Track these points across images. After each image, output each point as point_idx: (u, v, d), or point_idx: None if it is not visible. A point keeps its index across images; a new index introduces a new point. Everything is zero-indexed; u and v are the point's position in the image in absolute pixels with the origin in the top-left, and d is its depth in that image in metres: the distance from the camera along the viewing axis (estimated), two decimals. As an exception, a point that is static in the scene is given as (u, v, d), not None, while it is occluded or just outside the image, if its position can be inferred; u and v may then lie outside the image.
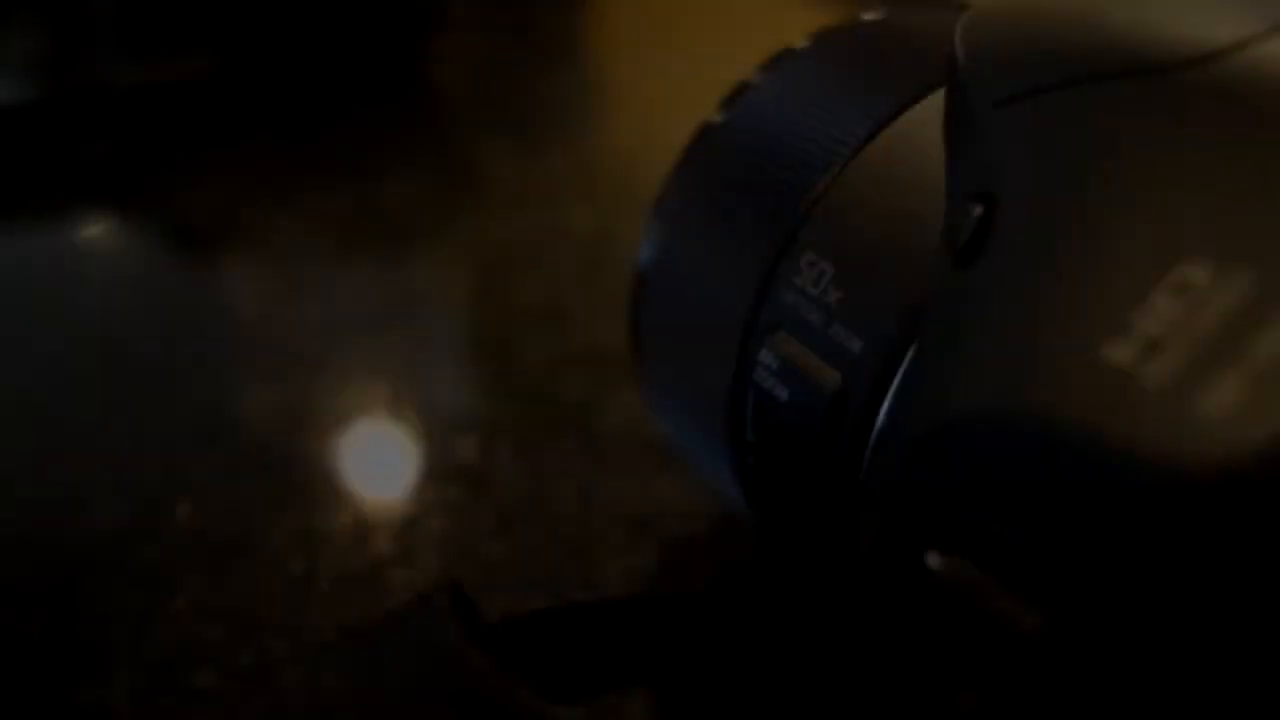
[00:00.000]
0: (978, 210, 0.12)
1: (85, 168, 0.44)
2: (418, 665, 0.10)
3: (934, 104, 0.15)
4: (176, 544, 0.23)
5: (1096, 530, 0.09)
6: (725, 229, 0.18)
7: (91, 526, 0.24)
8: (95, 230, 0.40)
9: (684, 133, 0.20)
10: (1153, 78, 0.11)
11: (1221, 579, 0.09)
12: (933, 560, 0.11)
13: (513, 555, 0.23)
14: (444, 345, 0.31)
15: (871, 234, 0.15)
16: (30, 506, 0.25)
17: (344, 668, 0.11)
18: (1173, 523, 0.09)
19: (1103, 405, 0.09)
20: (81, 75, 0.46)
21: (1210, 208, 0.10)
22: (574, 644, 0.16)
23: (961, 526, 0.11)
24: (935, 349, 0.12)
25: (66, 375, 0.30)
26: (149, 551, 0.23)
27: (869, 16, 0.21)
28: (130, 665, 0.20)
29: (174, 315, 0.33)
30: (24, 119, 0.46)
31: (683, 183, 0.20)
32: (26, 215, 0.41)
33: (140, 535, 0.23)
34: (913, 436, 0.11)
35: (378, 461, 0.26)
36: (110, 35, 0.46)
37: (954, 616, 0.10)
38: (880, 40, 0.19)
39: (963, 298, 0.12)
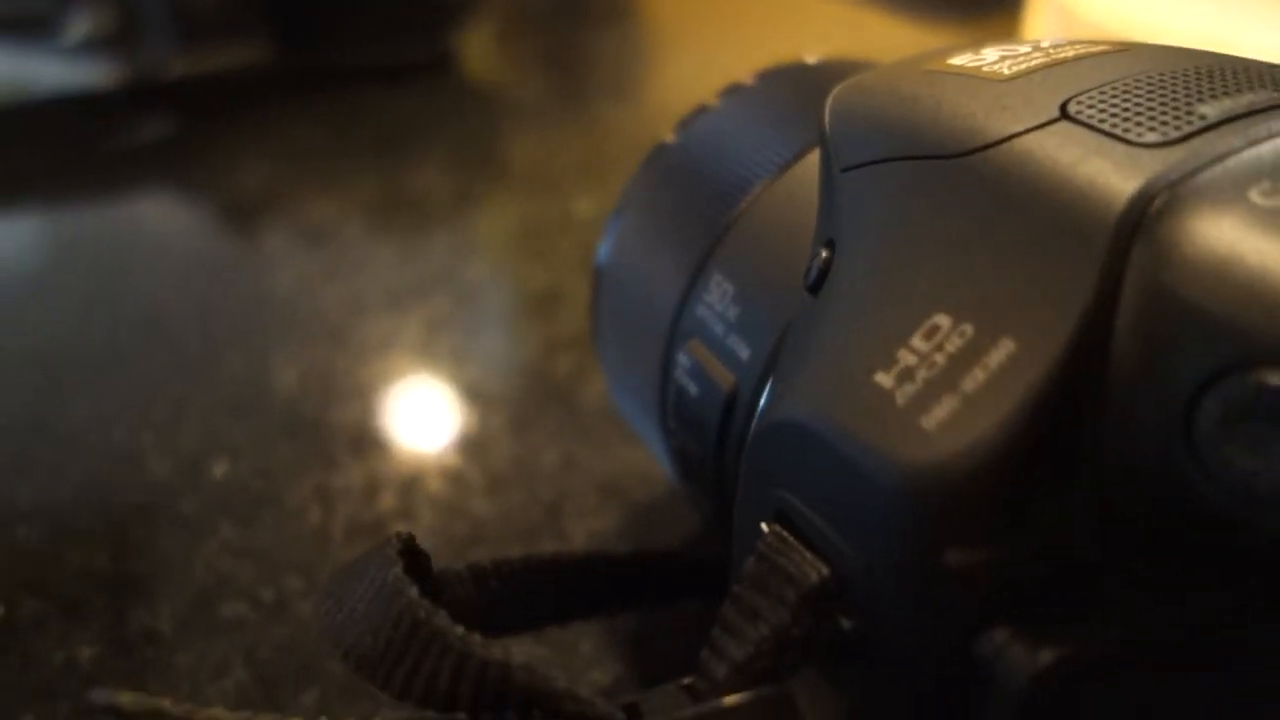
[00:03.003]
0: (824, 253, 0.16)
1: (145, 149, 0.48)
2: (369, 599, 0.14)
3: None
4: (213, 496, 0.27)
5: (856, 507, 0.13)
6: (661, 243, 0.21)
7: (143, 480, 0.28)
8: (152, 206, 0.44)
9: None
10: (940, 161, 0.14)
11: (929, 550, 0.12)
12: (763, 528, 0.14)
13: (498, 513, 0.26)
14: (454, 324, 0.34)
15: (764, 261, 0.18)
16: (94, 461, 0.29)
17: (321, 603, 0.15)
18: (899, 505, 0.12)
19: (867, 418, 0.13)
20: (141, 63, 0.50)
21: (960, 270, 0.13)
22: (525, 589, 0.19)
23: (780, 502, 0.14)
24: (786, 362, 0.16)
25: (124, 344, 0.34)
26: (190, 502, 0.27)
27: (810, 60, 0.24)
28: (174, 596, 0.24)
29: (217, 289, 0.37)
30: (91, 102, 0.51)
31: (636, 195, 0.23)
32: (92, 192, 0.45)
33: (183, 488, 0.28)
34: (755, 432, 0.15)
35: (388, 428, 0.30)
36: (166, 26, 0.50)
37: (771, 572, 0.14)
38: (810, 85, 0.22)
39: (807, 323, 0.15)
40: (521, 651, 0.22)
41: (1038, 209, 0.13)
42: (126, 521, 0.27)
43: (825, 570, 0.13)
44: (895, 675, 0.13)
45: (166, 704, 0.12)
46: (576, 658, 0.22)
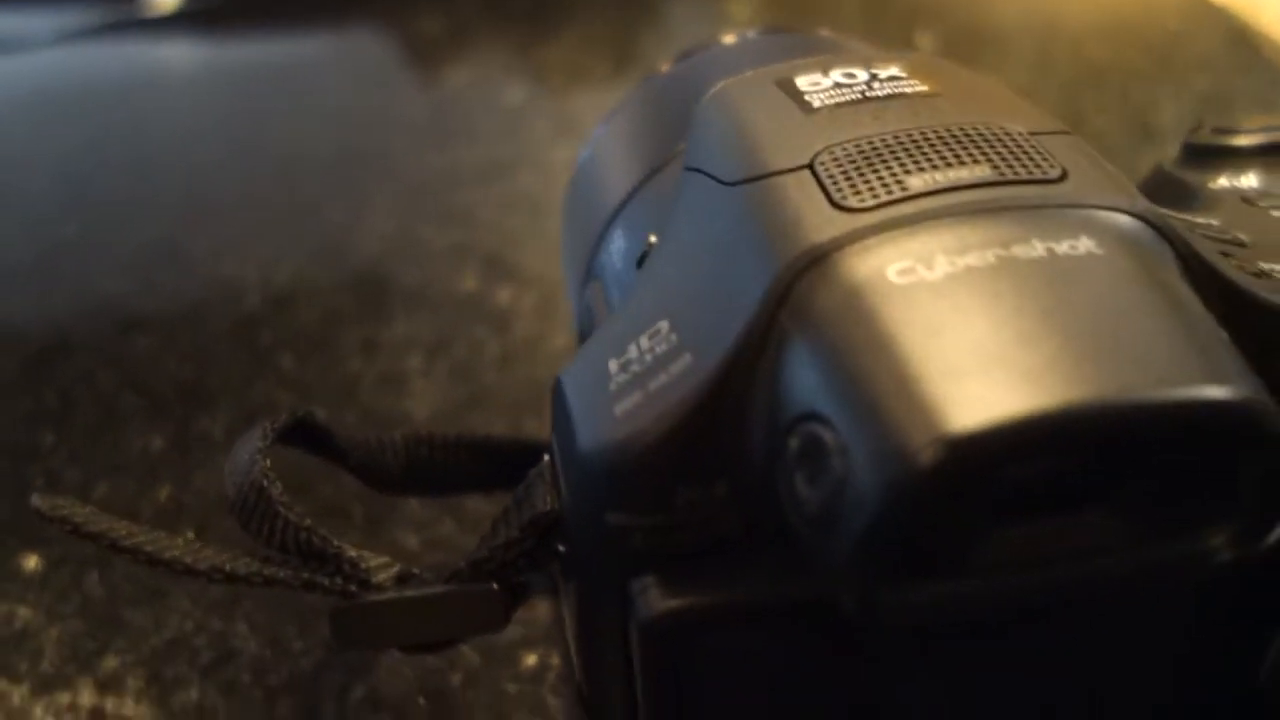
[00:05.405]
0: (652, 238, 0.18)
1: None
2: (242, 461, 0.19)
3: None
4: (283, 334, 0.33)
5: (567, 462, 0.16)
6: (607, 178, 0.24)
7: (238, 309, 0.34)
8: (318, 50, 0.49)
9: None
10: (718, 185, 0.16)
11: (598, 509, 0.15)
12: (545, 459, 0.18)
13: (499, 385, 0.31)
14: (525, 205, 0.38)
15: (640, 225, 0.21)
16: (203, 287, 0.35)
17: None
18: (583, 470, 0.15)
19: (590, 394, 0.16)
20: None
21: (691, 285, 0.16)
22: (452, 461, 0.24)
23: (552, 444, 0.17)
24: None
25: (256, 184, 0.40)
26: (265, 334, 0.33)
27: (817, 29, 0.26)
28: (230, 410, 0.30)
29: (345, 140, 0.42)
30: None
31: (616, 117, 0.25)
32: (273, 29, 0.50)
33: (264, 321, 0.33)
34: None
35: (437, 294, 0.34)
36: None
37: (525, 495, 0.17)
38: (788, 53, 0.24)
39: (624, 292, 0.18)
40: (474, 508, 0.27)
41: (747, 248, 0.15)
42: (214, 344, 0.33)
43: (554, 504, 0.17)
44: (589, 595, 0.17)
45: (74, 512, 0.17)
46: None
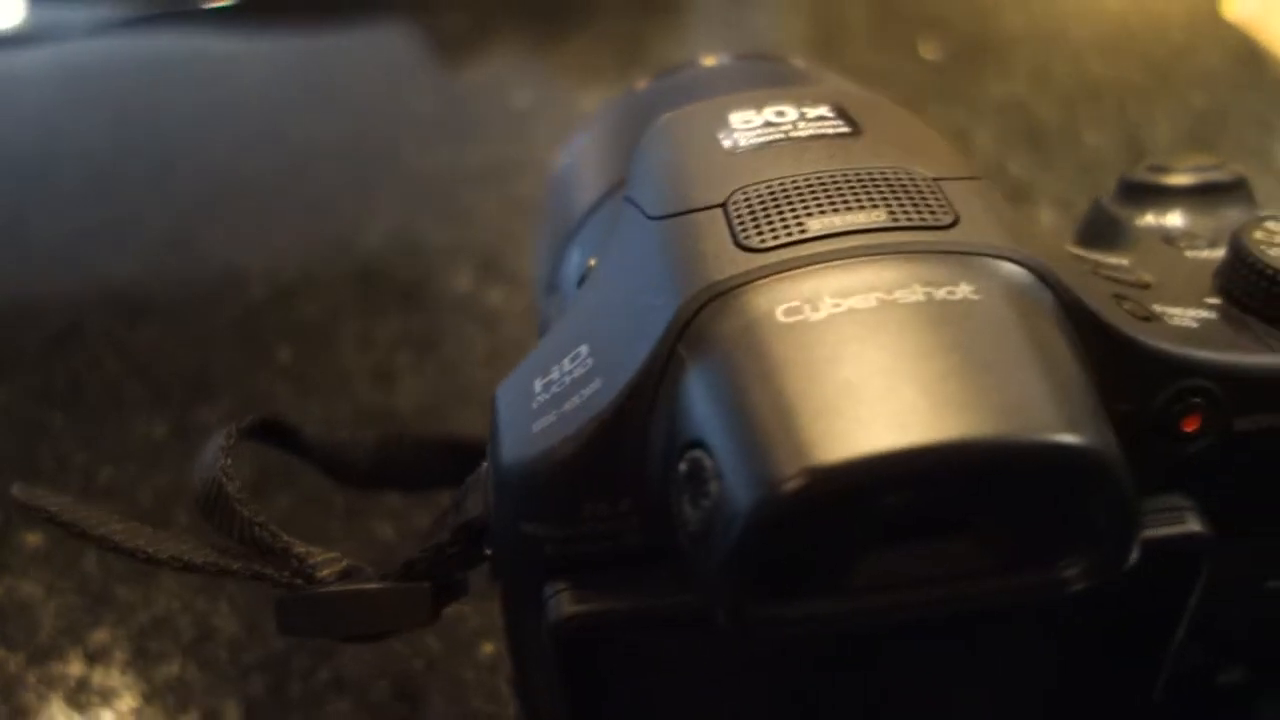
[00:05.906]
0: (592, 261, 0.20)
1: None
2: (206, 458, 0.20)
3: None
4: (284, 326, 0.34)
5: (494, 477, 0.17)
6: (575, 191, 0.25)
7: (243, 300, 0.35)
8: (348, 44, 0.51)
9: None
10: (643, 218, 0.17)
11: (513, 518, 0.16)
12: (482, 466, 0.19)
13: (485, 382, 0.32)
14: (524, 208, 0.39)
15: (590, 244, 0.22)
16: (213, 277, 0.37)
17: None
18: (501, 482, 0.17)
19: (516, 411, 0.17)
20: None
21: (612, 312, 0.17)
22: (422, 458, 0.25)
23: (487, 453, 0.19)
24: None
25: (273, 177, 0.41)
26: (267, 326, 0.34)
27: (795, 60, 0.27)
28: (227, 400, 0.32)
29: (361, 136, 0.43)
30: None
31: (591, 128, 0.27)
32: (314, 18, 0.52)
33: (264, 313, 0.35)
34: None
35: (434, 291, 0.36)
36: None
37: (460, 501, 0.19)
38: (762, 79, 0.25)
39: (564, 311, 0.20)
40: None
41: (658, 281, 0.16)
42: (219, 333, 0.34)
43: (485, 511, 0.18)
44: (512, 597, 0.18)
45: (49, 501, 0.19)
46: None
